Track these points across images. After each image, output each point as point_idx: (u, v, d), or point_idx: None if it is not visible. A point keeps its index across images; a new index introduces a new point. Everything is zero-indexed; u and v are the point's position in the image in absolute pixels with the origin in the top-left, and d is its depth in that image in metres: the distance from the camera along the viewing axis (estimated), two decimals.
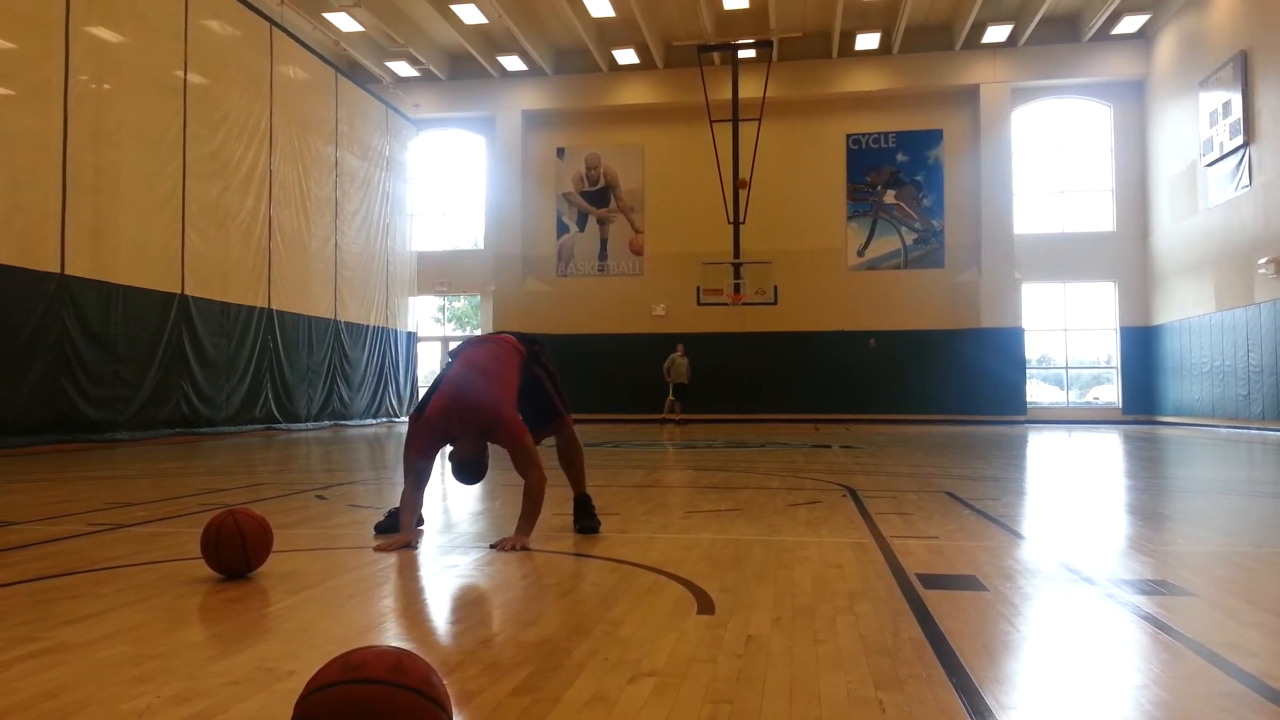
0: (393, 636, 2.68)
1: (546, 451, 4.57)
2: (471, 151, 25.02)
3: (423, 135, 24.51)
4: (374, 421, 20.87)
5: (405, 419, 21.74)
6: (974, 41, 22.10)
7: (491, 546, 4.04)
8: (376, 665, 1.53)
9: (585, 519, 4.55)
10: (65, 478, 7.86)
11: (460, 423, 4.08)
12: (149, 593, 3.16)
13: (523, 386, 4.44)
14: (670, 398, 20.76)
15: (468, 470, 4.09)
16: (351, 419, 19.83)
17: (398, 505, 4.55)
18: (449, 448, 4.23)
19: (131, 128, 13.23)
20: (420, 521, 4.61)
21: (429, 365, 24.51)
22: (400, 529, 4.18)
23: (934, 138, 23.06)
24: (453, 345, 4.66)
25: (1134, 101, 22.28)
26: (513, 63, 23.42)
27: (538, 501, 4.15)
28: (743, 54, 21.34)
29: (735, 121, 20.61)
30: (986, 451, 11.17)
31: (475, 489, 6.79)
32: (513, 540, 4.02)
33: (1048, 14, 20.80)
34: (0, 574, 3.49)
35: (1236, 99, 17.41)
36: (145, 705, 1.99)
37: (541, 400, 4.61)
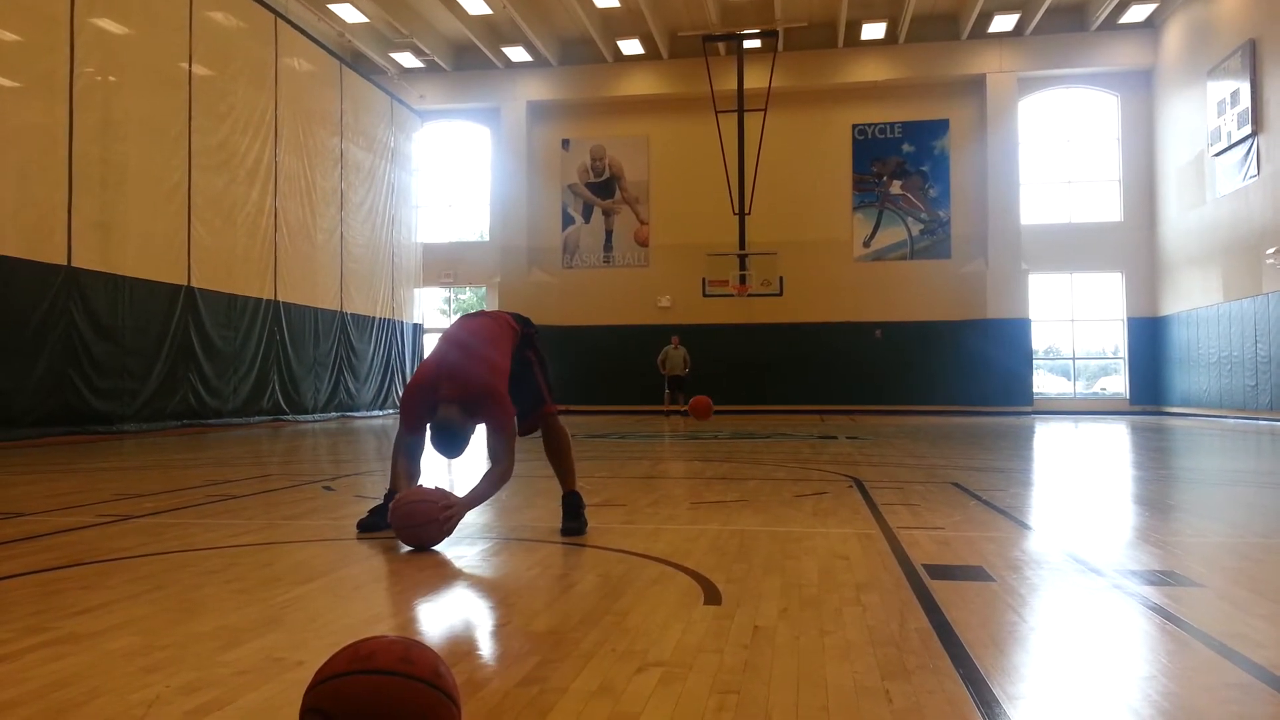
0: (400, 627, 2.69)
1: (534, 443, 4.57)
2: (476, 143, 24.99)
3: (428, 127, 24.49)
4: (380, 413, 20.91)
5: None
6: (980, 31, 22.00)
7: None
8: (385, 655, 1.53)
9: (571, 519, 4.27)
10: (73, 469, 7.89)
11: (449, 390, 3.98)
12: (157, 583, 3.17)
13: (512, 370, 4.26)
14: (668, 391, 20.28)
15: (449, 437, 3.94)
16: (358, 410, 19.87)
17: (380, 503, 4.42)
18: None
19: (137, 120, 13.24)
20: None
21: None
22: (398, 488, 4.10)
23: (940, 128, 22.98)
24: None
25: (1141, 91, 22.16)
26: (517, 54, 23.37)
27: (493, 488, 4.07)
28: (748, 44, 21.26)
29: (740, 112, 20.54)
30: (993, 442, 11.16)
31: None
32: (450, 506, 3.83)
33: (1054, 3, 20.68)
34: (9, 565, 3.51)
35: (1245, 88, 17.31)
36: (154, 695, 2.00)
37: (529, 386, 4.39)
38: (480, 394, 4.00)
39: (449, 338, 4.27)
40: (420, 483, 4.18)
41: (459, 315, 4.61)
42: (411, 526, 3.78)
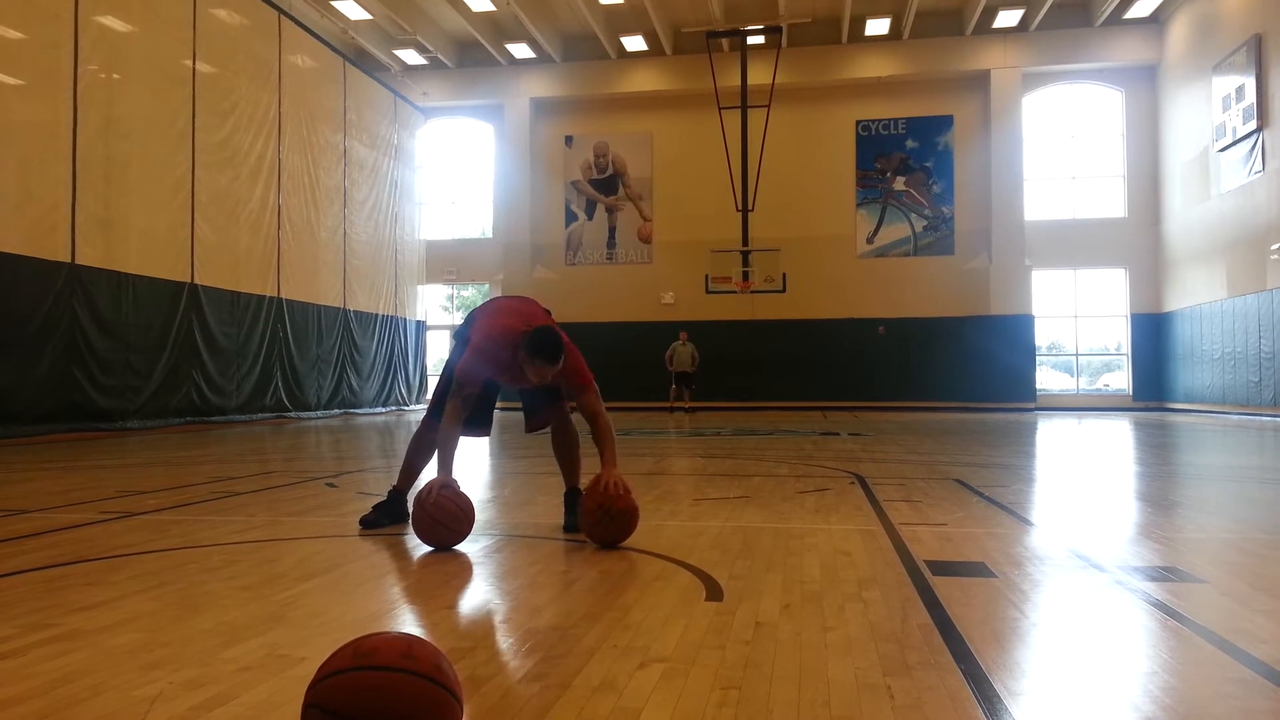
0: (403, 623, 2.69)
1: (543, 439, 4.57)
2: (480, 140, 24.99)
3: (431, 123, 24.48)
4: (383, 410, 20.92)
5: (415, 407, 21.82)
6: (985, 26, 21.95)
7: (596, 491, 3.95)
8: (387, 651, 1.54)
9: (574, 516, 4.23)
10: (77, 466, 7.90)
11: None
12: (160, 580, 3.18)
13: None
14: (674, 386, 20.38)
15: (557, 338, 3.85)
16: (361, 407, 19.89)
17: (384, 500, 4.42)
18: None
19: (141, 117, 13.25)
20: (408, 516, 4.27)
21: (438, 354, 24.57)
22: (442, 470, 3.85)
23: (944, 124, 22.94)
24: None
25: (1146, 86, 22.11)
26: (521, 50, 23.36)
27: (613, 437, 4.10)
28: (752, 40, 21.25)
29: (744, 108, 20.52)
30: (996, 439, 11.15)
31: (482, 478, 6.82)
32: (609, 478, 3.84)
33: None
34: (13, 561, 3.52)
35: (1250, 83, 17.26)
36: (157, 691, 2.00)
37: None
38: (566, 347, 3.98)
39: (502, 306, 4.26)
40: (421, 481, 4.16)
41: (491, 298, 4.52)
42: (431, 531, 3.73)
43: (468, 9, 21.12)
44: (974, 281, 22.37)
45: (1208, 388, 19.52)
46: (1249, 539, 4.05)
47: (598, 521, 3.75)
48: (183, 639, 2.43)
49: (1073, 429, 13.91)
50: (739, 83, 20.68)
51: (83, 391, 11.98)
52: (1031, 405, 21.87)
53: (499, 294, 23.44)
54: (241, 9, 15.89)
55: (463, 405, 3.97)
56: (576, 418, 4.47)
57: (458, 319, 26.07)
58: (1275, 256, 16.50)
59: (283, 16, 17.01)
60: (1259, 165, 17.07)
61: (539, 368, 3.86)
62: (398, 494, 4.41)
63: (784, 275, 19.95)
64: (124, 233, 12.89)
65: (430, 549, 3.75)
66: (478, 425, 4.41)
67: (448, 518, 3.73)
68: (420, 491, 3.80)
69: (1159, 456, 8.90)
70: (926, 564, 3.41)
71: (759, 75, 21.06)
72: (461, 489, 3.86)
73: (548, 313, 4.41)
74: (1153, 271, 22.01)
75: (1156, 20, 21.53)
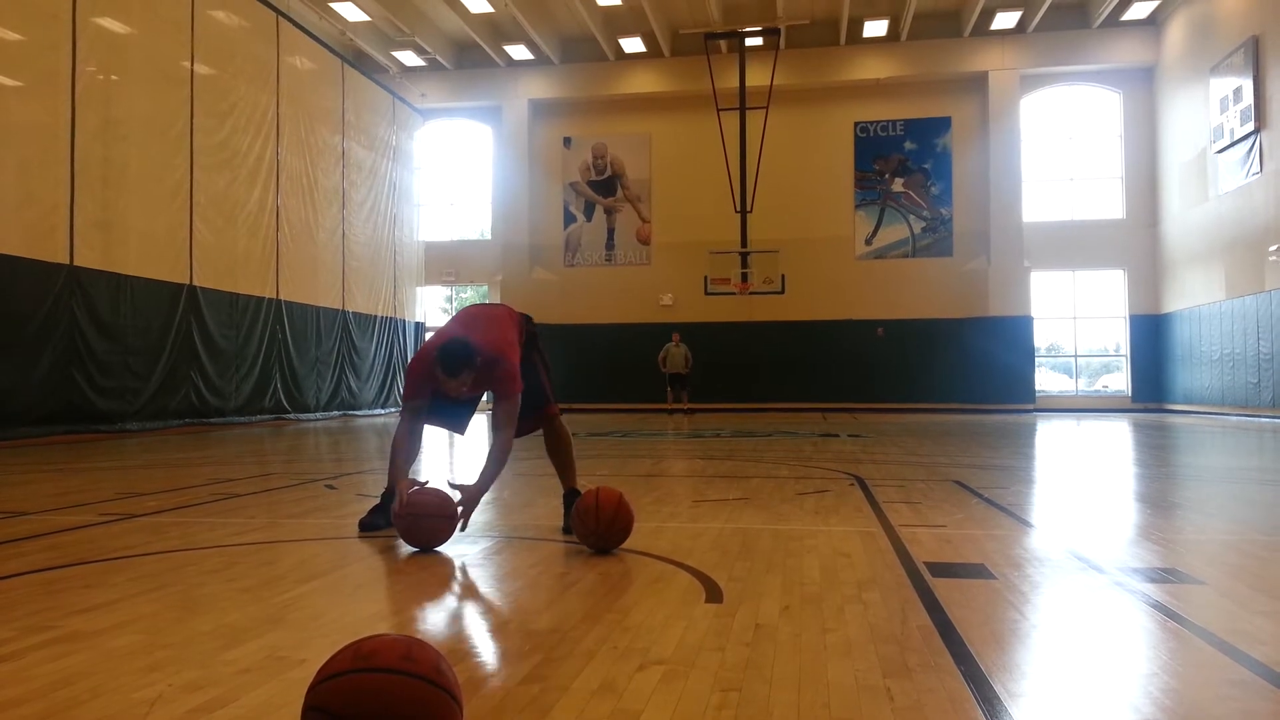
0: (402, 625, 2.69)
1: (536, 441, 4.58)
2: (478, 141, 24.99)
3: (429, 125, 24.48)
4: (383, 411, 20.91)
5: None
6: (983, 28, 21.96)
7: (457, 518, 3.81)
8: (387, 654, 1.54)
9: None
10: (76, 468, 7.90)
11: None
12: (160, 582, 3.18)
13: (520, 367, 4.22)
14: (670, 389, 20.26)
15: (453, 413, 3.89)
16: (360, 409, 19.88)
17: (379, 502, 4.44)
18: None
19: (139, 119, 13.24)
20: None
21: None
22: (397, 478, 3.93)
23: (942, 125, 22.95)
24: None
25: (1144, 88, 22.13)
26: (519, 52, 23.36)
27: (501, 462, 4.00)
28: (750, 42, 21.26)
29: (742, 110, 20.53)
30: (995, 440, 11.15)
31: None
32: (464, 498, 3.79)
33: (1056, 0, 20.66)
34: (12, 564, 3.52)
35: (1248, 85, 17.28)
36: (157, 694, 2.00)
37: (534, 386, 4.35)
38: (492, 356, 3.96)
39: (458, 317, 4.30)
40: (419, 478, 4.16)
41: (464, 307, 4.57)
42: (418, 530, 3.76)
43: (466, 10, 21.12)
44: (973, 283, 22.37)
45: (1206, 389, 19.53)
46: (1248, 540, 4.05)
47: (584, 540, 3.75)
48: (182, 641, 2.43)
49: (1072, 430, 13.92)
50: (737, 84, 20.70)
51: (81, 393, 11.97)
52: (1030, 406, 21.87)
53: (497, 296, 23.59)
54: (240, 11, 15.89)
55: (412, 417, 4.09)
56: (568, 418, 4.48)
57: None
58: (1273, 258, 16.52)
59: (281, 18, 17.00)
60: (1257, 167, 17.09)
61: (440, 378, 3.86)
62: (390, 494, 4.42)
63: (783, 276, 19.95)
64: (122, 234, 12.88)
65: (427, 550, 3.75)
66: (457, 422, 4.52)
67: (429, 509, 3.75)
68: (393, 506, 3.85)
69: (1158, 458, 8.90)
70: (926, 566, 3.41)
71: (757, 77, 21.07)
72: (428, 485, 3.88)
73: (528, 318, 4.47)
74: (1151, 273, 22.02)
75: (1154, 22, 21.55)
